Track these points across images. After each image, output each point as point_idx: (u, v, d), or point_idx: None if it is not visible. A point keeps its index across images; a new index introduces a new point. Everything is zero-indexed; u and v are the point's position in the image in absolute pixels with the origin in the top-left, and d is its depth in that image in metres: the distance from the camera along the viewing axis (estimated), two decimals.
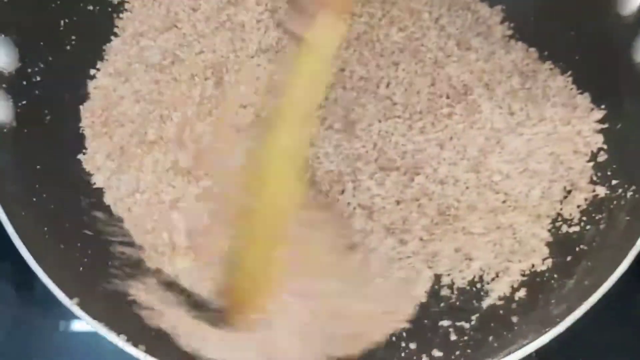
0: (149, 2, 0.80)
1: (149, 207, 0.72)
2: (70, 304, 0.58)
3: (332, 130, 0.74)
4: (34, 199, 0.67)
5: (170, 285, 0.69)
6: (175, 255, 0.71)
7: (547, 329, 0.57)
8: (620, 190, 0.67)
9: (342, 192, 0.71)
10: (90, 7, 0.78)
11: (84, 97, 0.76)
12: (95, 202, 0.72)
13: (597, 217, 0.68)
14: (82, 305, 0.59)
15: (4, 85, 0.69)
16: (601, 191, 0.69)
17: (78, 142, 0.75)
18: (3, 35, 0.70)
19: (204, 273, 0.70)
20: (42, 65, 0.73)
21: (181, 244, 0.71)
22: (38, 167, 0.70)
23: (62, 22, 0.76)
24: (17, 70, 0.71)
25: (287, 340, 0.61)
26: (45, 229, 0.66)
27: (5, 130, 0.68)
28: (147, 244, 0.71)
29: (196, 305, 0.68)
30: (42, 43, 0.74)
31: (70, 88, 0.76)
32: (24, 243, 0.61)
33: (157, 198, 0.72)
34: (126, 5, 0.80)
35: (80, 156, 0.74)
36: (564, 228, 0.70)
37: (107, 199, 0.73)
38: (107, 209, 0.72)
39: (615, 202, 0.67)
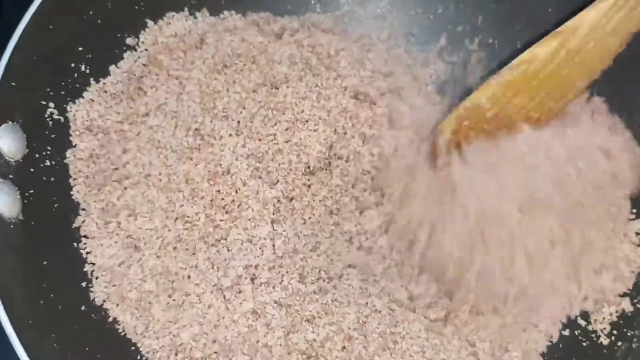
0: None
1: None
2: None
3: None
4: (41, 302, 0.64)
5: None
6: None
7: None
8: None
9: None
10: None
11: None
12: (105, 300, 0.68)
13: (629, 334, 0.66)
14: None
15: (10, 176, 0.66)
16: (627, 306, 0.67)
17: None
18: (10, 122, 0.66)
19: None
20: (50, 149, 0.70)
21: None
22: (45, 262, 0.66)
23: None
24: (24, 158, 0.67)
25: None
26: (53, 335, 0.63)
27: (12, 226, 0.64)
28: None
29: None
30: (50, 123, 0.70)
31: None
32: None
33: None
34: None
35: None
36: (592, 338, 0.68)
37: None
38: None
39: None
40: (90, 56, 0.73)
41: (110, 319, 0.68)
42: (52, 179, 0.69)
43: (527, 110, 0.66)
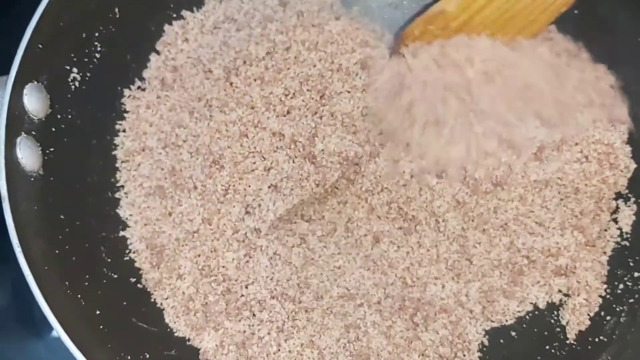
0: None
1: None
2: None
3: None
4: (57, 251, 0.67)
5: None
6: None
7: None
8: None
9: None
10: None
11: (109, 145, 0.77)
12: (117, 254, 0.72)
13: (617, 309, 0.68)
14: None
15: (33, 133, 0.69)
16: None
17: (103, 192, 0.75)
18: (36, 82, 0.69)
19: None
20: (71, 112, 0.73)
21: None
22: (62, 217, 0.69)
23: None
24: (47, 117, 0.70)
25: None
26: (67, 283, 0.66)
27: (32, 179, 0.68)
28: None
29: None
30: (73, 88, 0.74)
31: (99, 135, 0.76)
32: (47, 302, 0.61)
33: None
34: None
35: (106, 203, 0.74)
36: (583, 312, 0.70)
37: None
38: (126, 263, 0.72)
39: (636, 296, 0.67)
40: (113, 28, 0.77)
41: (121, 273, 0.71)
42: (72, 139, 0.73)
43: (497, 24, 0.67)
